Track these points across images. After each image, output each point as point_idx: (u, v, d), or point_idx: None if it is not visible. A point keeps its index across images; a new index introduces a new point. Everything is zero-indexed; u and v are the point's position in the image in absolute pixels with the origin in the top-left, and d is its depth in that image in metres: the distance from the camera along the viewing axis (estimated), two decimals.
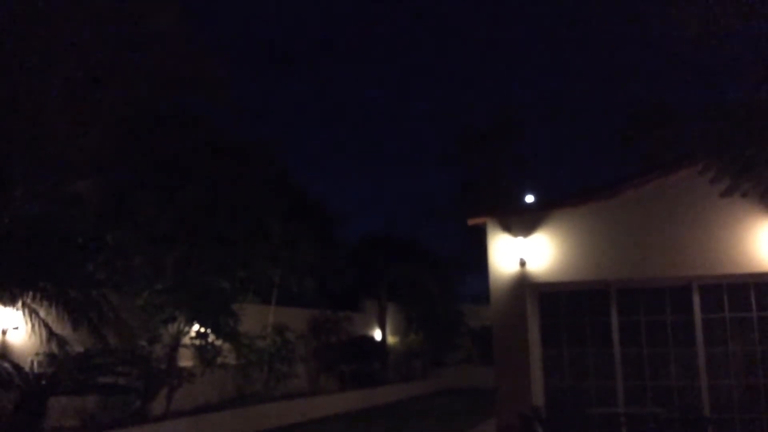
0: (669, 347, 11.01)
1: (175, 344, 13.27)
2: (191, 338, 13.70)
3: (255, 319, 16.07)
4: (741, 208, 10.37)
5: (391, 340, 25.47)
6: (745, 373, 10.71)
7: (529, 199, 25.74)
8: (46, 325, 10.34)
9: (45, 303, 10.13)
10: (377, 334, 24.97)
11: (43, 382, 10.00)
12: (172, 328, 13.20)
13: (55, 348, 10.38)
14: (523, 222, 11.57)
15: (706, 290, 10.94)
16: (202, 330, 13.64)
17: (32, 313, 10.20)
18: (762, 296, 10.77)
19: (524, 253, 11.41)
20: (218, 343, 13.95)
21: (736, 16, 5.81)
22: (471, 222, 12.16)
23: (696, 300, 10.93)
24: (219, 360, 14.05)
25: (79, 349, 10.70)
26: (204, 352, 13.74)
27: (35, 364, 10.40)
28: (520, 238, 11.44)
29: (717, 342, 10.84)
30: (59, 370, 10.24)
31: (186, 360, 13.96)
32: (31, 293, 10.06)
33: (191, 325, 13.48)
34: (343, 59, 61.37)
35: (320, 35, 57.23)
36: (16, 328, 11.06)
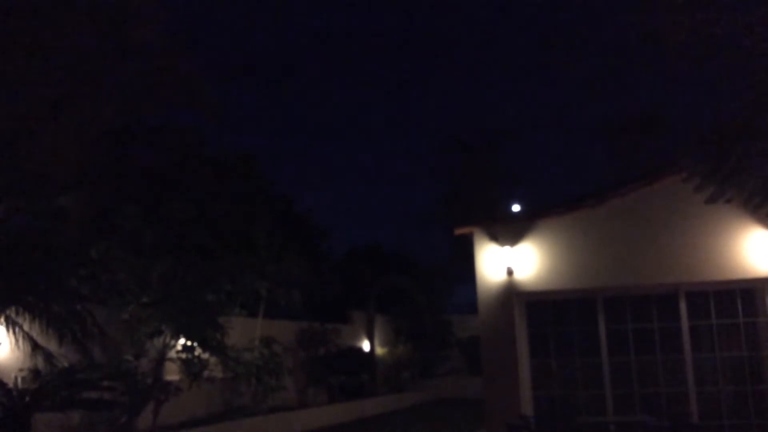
0: (656, 355, 11.04)
1: (161, 358, 13.15)
2: (177, 352, 13.59)
3: (242, 332, 15.97)
4: (725, 214, 10.45)
5: (379, 351, 25.39)
6: (732, 379, 10.75)
7: (516, 208, 25.88)
8: (31, 340, 10.23)
9: (28, 317, 10.02)
10: (365, 346, 24.89)
11: (27, 399, 9.86)
12: (158, 341, 13.09)
13: (39, 363, 10.26)
14: (509, 231, 11.59)
15: (693, 297, 11.00)
16: (189, 343, 13.53)
17: (16, 327, 10.08)
18: (748, 302, 10.83)
19: (511, 262, 11.42)
20: (205, 356, 13.84)
21: (719, 27, 5.87)
22: (458, 232, 12.18)
23: (683, 307, 10.97)
24: (206, 373, 13.94)
25: (64, 364, 10.58)
26: (190, 365, 13.62)
27: (19, 380, 10.27)
28: (507, 248, 11.46)
29: (704, 349, 10.88)
30: (43, 385, 10.11)
31: (172, 374, 13.83)
32: (14, 307, 9.95)
33: (177, 338, 13.37)
34: (332, 72, 61.53)
35: (309, 48, 57.37)
36: (0, 343, 10.93)
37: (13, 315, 10.03)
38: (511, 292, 11.42)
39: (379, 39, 59.85)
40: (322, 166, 60.31)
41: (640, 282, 10.99)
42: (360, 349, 24.06)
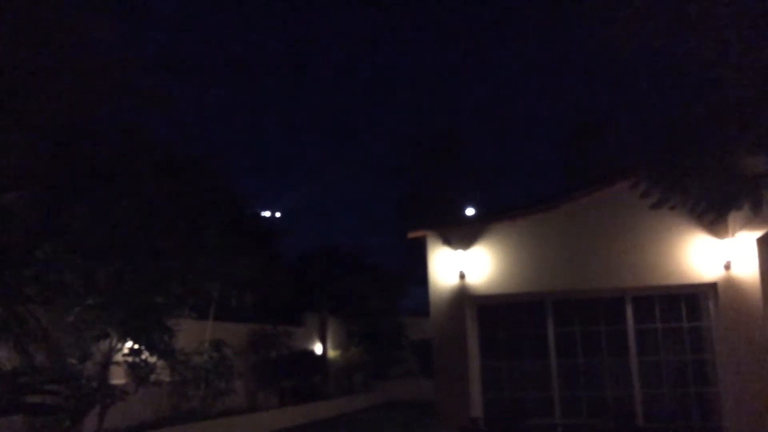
0: (603, 357, 11.23)
1: (107, 361, 12.87)
2: (124, 355, 13.32)
3: (192, 334, 15.74)
4: (672, 221, 10.70)
5: (332, 353, 25.32)
6: (676, 382, 11.01)
7: (470, 212, 26.09)
8: None
9: None
10: (318, 348, 24.80)
11: None
12: (104, 344, 12.80)
13: None
14: (462, 235, 11.67)
15: (639, 301, 11.23)
16: (136, 347, 13.27)
17: None
18: (692, 307, 11.11)
19: (464, 266, 11.50)
20: (152, 360, 13.59)
21: (662, 33, 6.00)
22: (411, 235, 12.21)
23: (629, 311, 11.20)
24: (153, 377, 13.69)
25: (7, 367, 10.25)
26: (137, 369, 13.37)
27: None
28: (460, 251, 11.54)
29: (649, 352, 11.12)
30: None
31: (119, 378, 13.56)
32: None
33: (124, 341, 13.10)
34: (290, 74, 61.17)
35: (271, 50, 56.94)
36: None
37: None
38: (462, 295, 11.50)
39: (339, 40, 59.79)
40: (279, 168, 59.93)
41: (588, 286, 11.18)
42: (312, 352, 23.97)
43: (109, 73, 9.99)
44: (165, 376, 14.33)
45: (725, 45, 5.80)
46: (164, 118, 12.25)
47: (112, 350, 12.98)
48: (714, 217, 6.94)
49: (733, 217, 10.14)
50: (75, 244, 11.94)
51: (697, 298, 11.11)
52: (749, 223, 9.51)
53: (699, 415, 10.87)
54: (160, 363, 13.92)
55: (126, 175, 11.90)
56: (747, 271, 10.59)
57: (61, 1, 9.49)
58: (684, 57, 6.25)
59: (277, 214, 28.73)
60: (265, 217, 23.39)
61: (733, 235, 10.52)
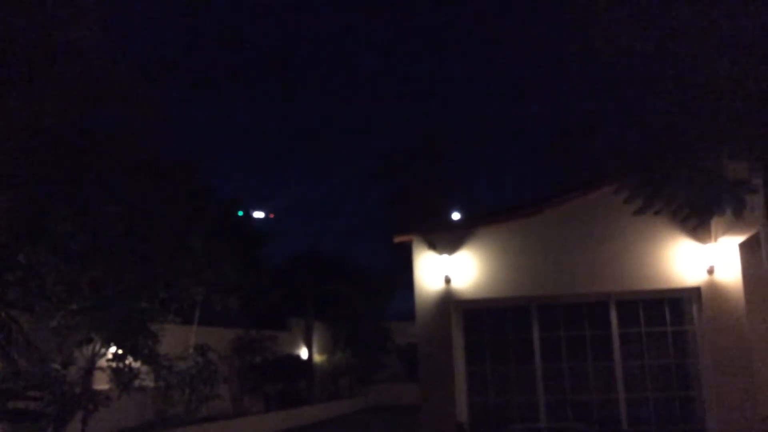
0: (588, 362, 11.28)
1: (91, 367, 12.75)
2: (108, 360, 13.20)
3: (176, 339, 15.64)
4: (656, 226, 10.78)
5: (317, 358, 25.24)
6: (660, 386, 11.07)
7: (456, 216, 26.12)
8: None
9: None
10: (303, 353, 24.71)
11: None
12: (88, 350, 12.69)
13: None
14: (448, 239, 11.69)
15: (623, 306, 11.29)
16: (120, 352, 13.16)
17: None
18: (675, 311, 11.19)
19: (449, 271, 11.52)
20: (136, 365, 13.48)
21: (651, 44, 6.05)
22: (397, 239, 12.21)
23: (613, 315, 11.25)
24: (137, 383, 13.58)
25: None
26: (121, 374, 13.25)
27: None
28: (445, 256, 11.55)
29: (633, 356, 11.18)
30: None
31: (102, 383, 13.44)
32: None
33: (108, 346, 12.99)
34: (277, 78, 61.07)
35: (252, 52, 56.78)
36: None
37: None
38: (448, 299, 11.51)
39: (325, 45, 59.78)
40: (264, 173, 59.77)
41: (573, 290, 11.23)
42: (297, 357, 23.88)
43: (94, 77, 9.93)
44: (149, 382, 14.21)
45: (710, 53, 5.86)
46: (149, 122, 12.17)
47: (96, 355, 12.87)
48: (697, 222, 7.00)
49: (716, 223, 10.23)
50: (58, 248, 11.85)
51: (680, 303, 11.19)
52: (732, 229, 9.60)
53: (682, 418, 10.94)
54: (144, 368, 13.81)
55: (110, 180, 11.84)
56: (730, 275, 10.68)
57: (45, 3, 9.43)
58: (668, 64, 6.31)
59: (261, 215, 28.57)
60: (250, 222, 23.27)
61: (715, 240, 10.61)
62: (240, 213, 21.46)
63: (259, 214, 27.73)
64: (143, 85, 11.18)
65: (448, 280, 11.50)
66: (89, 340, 12.55)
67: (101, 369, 13.17)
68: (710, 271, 10.75)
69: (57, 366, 12.18)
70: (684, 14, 5.71)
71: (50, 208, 11.76)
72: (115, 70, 10.42)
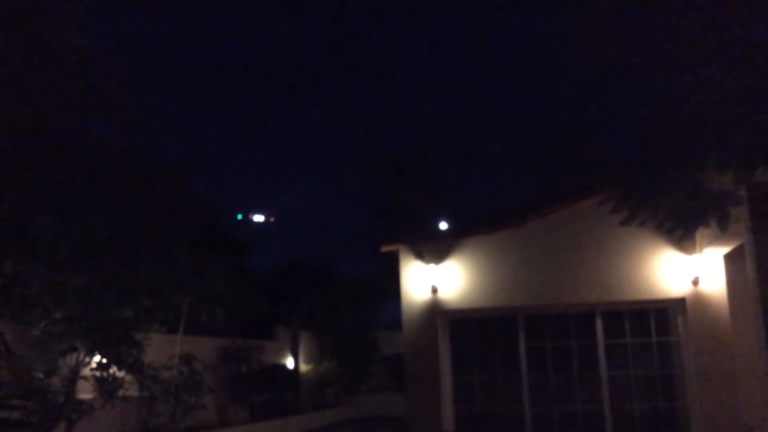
0: (574, 372, 11.30)
1: (74, 376, 12.61)
2: (92, 369, 13.07)
3: (161, 348, 15.51)
4: (641, 237, 10.84)
5: (304, 368, 25.12)
6: (645, 397, 11.10)
7: (443, 226, 26.17)
8: None
9: None
10: (290, 363, 24.59)
11: None
12: (71, 359, 12.55)
13: None
14: (435, 249, 11.70)
15: (609, 316, 11.33)
16: (104, 361, 13.03)
17: None
18: (660, 322, 11.24)
19: (436, 280, 11.52)
20: (120, 374, 13.36)
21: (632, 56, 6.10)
22: (384, 249, 12.22)
23: (599, 325, 11.29)
24: (120, 392, 13.45)
25: None
26: (105, 384, 13.12)
27: None
28: (432, 266, 11.56)
29: (619, 366, 11.21)
30: None
31: (86, 392, 13.29)
32: None
33: (92, 355, 12.86)
34: (263, 89, 61.08)
35: (245, 64, 56.80)
36: None
37: None
38: (435, 309, 11.51)
39: (312, 52, 59.86)
40: (253, 182, 59.67)
41: (559, 301, 11.27)
42: (284, 366, 23.76)
43: (80, 81, 9.88)
44: (133, 391, 14.08)
45: (693, 64, 5.91)
46: (136, 128, 12.11)
47: (80, 364, 12.73)
48: (682, 233, 7.04)
49: (701, 234, 10.30)
50: (42, 256, 11.74)
51: (665, 313, 11.24)
52: (716, 240, 9.66)
53: (667, 428, 10.97)
54: (128, 377, 13.68)
55: (95, 186, 11.75)
56: (715, 286, 10.75)
57: (24, 6, 9.37)
58: (653, 76, 6.36)
59: (261, 218, 28.46)
60: (239, 230, 23.20)
61: (700, 251, 10.67)
62: (239, 216, 21.40)
63: (259, 218, 27.64)
64: (130, 89, 11.13)
65: (435, 290, 11.50)
66: (73, 349, 12.41)
67: (85, 378, 13.03)
68: (695, 282, 10.81)
69: (40, 375, 12.04)
70: (668, 25, 5.77)
71: (35, 216, 11.67)
72: (102, 74, 10.37)
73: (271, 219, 28.86)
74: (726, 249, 10.22)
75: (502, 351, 11.58)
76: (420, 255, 11.71)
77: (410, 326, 11.60)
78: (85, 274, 12.20)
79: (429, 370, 11.36)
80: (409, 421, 11.48)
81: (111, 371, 13.22)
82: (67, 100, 9.96)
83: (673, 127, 6.42)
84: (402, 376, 12.28)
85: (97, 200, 11.81)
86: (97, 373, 13.12)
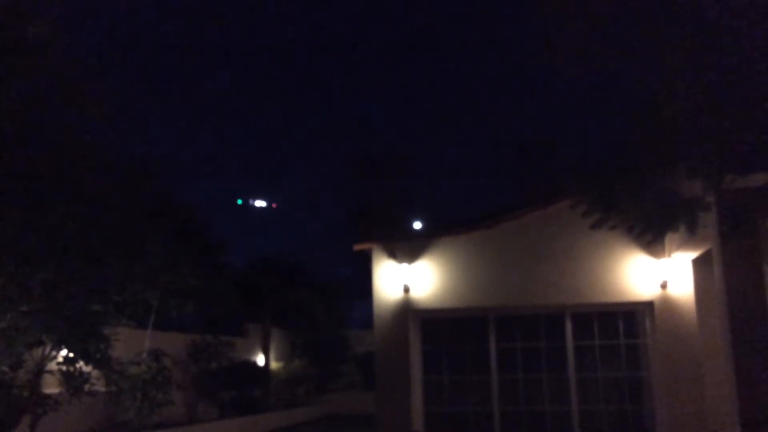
0: (543, 373, 11.39)
1: (40, 370, 12.43)
2: (58, 364, 12.88)
3: (130, 343, 15.33)
4: (611, 241, 10.94)
5: (274, 365, 25.02)
6: (613, 398, 11.22)
7: (417, 226, 26.22)
8: None
9: None
10: (260, 360, 24.48)
11: None
12: (37, 352, 12.36)
13: None
14: (407, 249, 11.72)
15: (578, 318, 11.44)
16: (71, 355, 12.85)
17: None
18: (629, 325, 11.36)
19: (408, 280, 11.54)
20: (87, 369, 13.18)
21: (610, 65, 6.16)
22: (357, 248, 12.20)
23: (568, 327, 11.39)
24: (87, 387, 13.27)
25: None
26: (71, 378, 12.94)
27: None
28: (405, 265, 11.57)
29: (587, 368, 11.32)
30: None
31: (52, 387, 13.10)
32: None
33: (59, 349, 12.68)
34: (243, 87, 60.76)
35: (224, 63, 56.40)
36: None
37: None
38: (406, 309, 11.53)
39: (293, 53, 59.67)
40: (228, 179, 59.32)
41: (529, 302, 11.35)
42: (254, 363, 23.64)
43: (51, 74, 9.73)
44: (100, 386, 13.90)
45: (666, 73, 5.98)
46: (106, 121, 11.94)
47: (46, 358, 12.55)
48: (651, 237, 7.12)
49: (670, 239, 10.43)
50: (8, 249, 11.54)
51: (634, 316, 11.37)
52: (685, 245, 9.79)
53: (634, 430, 11.10)
54: (95, 372, 13.51)
55: (63, 180, 11.57)
56: (683, 290, 10.90)
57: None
58: (625, 83, 6.43)
59: (263, 204, 28.20)
60: (210, 227, 22.99)
61: (669, 255, 10.81)
62: (239, 201, 21.21)
63: (261, 203, 27.40)
64: (103, 82, 10.98)
65: (407, 289, 11.52)
66: (39, 343, 12.23)
67: (51, 372, 12.85)
68: (663, 286, 10.95)
69: (5, 368, 11.85)
70: (640, 33, 5.83)
71: (1, 208, 11.47)
72: (71, 67, 10.22)
73: (274, 206, 28.61)
74: (694, 254, 10.36)
75: (473, 351, 11.63)
76: (393, 254, 11.71)
77: (382, 325, 11.61)
78: (52, 267, 12.02)
79: (399, 369, 11.37)
80: (379, 419, 11.48)
81: (78, 366, 13.04)
82: (33, 91, 9.79)
83: (645, 134, 6.49)
84: (373, 375, 12.29)
85: (66, 194, 11.63)
86: (64, 368, 12.94)
